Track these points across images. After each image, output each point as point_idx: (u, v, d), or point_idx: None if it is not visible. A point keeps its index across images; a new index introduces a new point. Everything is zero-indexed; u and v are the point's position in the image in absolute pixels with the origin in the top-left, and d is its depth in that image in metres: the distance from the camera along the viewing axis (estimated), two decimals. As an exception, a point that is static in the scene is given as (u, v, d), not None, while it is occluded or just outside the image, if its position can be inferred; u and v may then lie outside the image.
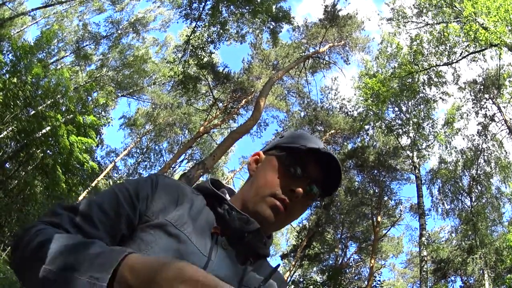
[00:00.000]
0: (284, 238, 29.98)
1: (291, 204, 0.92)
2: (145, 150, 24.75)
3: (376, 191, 19.15)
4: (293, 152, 0.95)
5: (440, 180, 18.43)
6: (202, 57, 14.18)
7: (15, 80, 12.46)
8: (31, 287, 0.71)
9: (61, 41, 19.83)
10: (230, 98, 18.72)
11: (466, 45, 12.86)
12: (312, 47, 18.80)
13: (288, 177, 0.93)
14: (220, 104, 18.33)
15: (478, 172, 16.75)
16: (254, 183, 0.97)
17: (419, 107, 16.99)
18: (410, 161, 16.61)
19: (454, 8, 12.56)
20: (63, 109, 14.03)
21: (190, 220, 0.87)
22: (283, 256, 21.10)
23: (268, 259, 1.01)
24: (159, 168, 21.37)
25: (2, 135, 12.44)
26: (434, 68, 14.67)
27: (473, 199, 16.69)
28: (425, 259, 13.34)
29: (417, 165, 15.92)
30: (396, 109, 17.50)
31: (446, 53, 13.75)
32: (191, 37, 13.13)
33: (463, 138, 18.45)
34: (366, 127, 18.46)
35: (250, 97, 18.35)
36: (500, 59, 13.09)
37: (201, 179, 10.29)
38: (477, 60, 14.22)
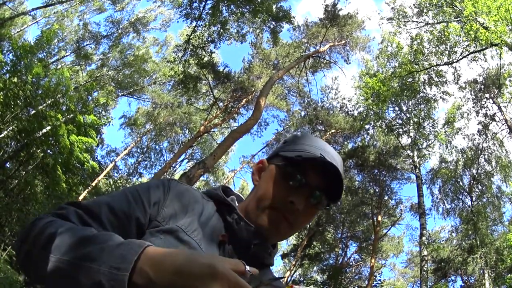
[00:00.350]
0: (284, 238, 29.95)
1: (293, 216, 0.92)
2: (145, 149, 24.72)
3: (377, 190, 19.14)
4: (292, 162, 0.93)
5: (440, 180, 18.42)
6: (203, 57, 14.18)
7: (15, 79, 12.47)
8: (42, 279, 0.69)
9: (62, 40, 19.83)
10: (230, 97, 18.71)
11: (466, 44, 12.86)
12: (312, 46, 18.81)
13: (288, 188, 0.92)
14: (221, 104, 18.33)
15: (479, 171, 16.75)
16: (257, 193, 0.97)
17: (420, 106, 16.98)
18: (411, 160, 16.61)
19: (455, 7, 12.54)
20: (64, 109, 14.03)
21: (200, 226, 0.87)
22: (284, 256, 21.09)
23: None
24: (160, 167, 21.33)
25: (2, 135, 12.43)
26: (434, 67, 14.66)
27: (474, 198, 16.70)
28: (426, 258, 13.34)
29: (418, 165, 15.92)
30: (397, 108, 17.50)
31: (447, 52, 13.73)
32: (191, 37, 13.13)
33: (464, 138, 18.46)
34: (367, 126, 18.44)
35: (250, 97, 18.34)
36: (500, 59, 13.07)
37: (201, 178, 10.31)
38: (477, 60, 14.23)
